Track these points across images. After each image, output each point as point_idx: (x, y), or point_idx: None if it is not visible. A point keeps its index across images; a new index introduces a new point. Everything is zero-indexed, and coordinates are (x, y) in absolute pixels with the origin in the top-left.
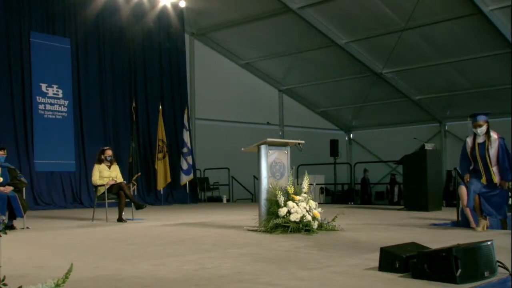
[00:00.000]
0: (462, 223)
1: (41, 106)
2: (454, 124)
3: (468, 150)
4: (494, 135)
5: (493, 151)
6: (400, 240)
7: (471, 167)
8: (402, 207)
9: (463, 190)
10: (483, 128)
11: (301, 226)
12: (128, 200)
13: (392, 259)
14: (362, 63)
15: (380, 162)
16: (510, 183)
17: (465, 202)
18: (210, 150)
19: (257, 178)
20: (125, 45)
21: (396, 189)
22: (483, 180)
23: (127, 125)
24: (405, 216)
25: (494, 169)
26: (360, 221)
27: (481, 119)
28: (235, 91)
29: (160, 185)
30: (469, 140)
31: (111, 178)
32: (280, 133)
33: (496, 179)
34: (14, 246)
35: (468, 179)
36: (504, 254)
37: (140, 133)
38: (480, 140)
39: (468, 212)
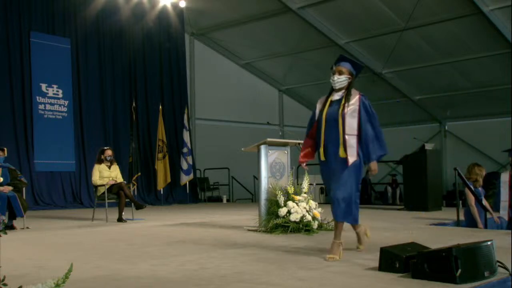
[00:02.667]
0: (467, 223)
1: (41, 106)
2: (454, 124)
3: (317, 112)
4: (355, 93)
5: (350, 113)
6: (400, 240)
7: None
8: (402, 207)
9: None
10: (343, 78)
11: (301, 226)
12: (128, 200)
13: (392, 259)
14: (362, 63)
15: (380, 162)
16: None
17: (472, 202)
18: (210, 150)
19: (257, 178)
20: (125, 45)
21: (398, 191)
22: (321, 155)
23: (127, 125)
24: (405, 216)
25: (347, 139)
26: (360, 221)
27: (345, 65)
28: (235, 91)
29: (160, 185)
30: (320, 101)
31: (111, 178)
32: (280, 133)
33: (345, 152)
34: (14, 246)
35: (304, 162)
36: (504, 254)
37: (140, 133)
38: (335, 97)
39: (475, 211)
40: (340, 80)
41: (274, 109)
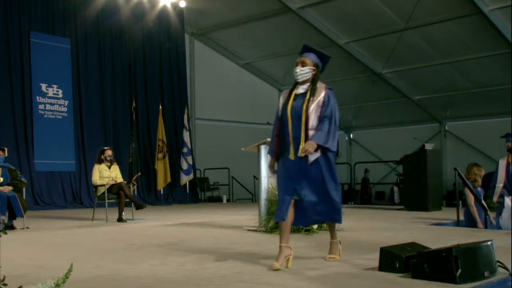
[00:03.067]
0: (467, 223)
1: (41, 106)
2: (454, 124)
3: (280, 107)
4: (321, 86)
5: (315, 108)
6: (400, 240)
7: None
8: (402, 207)
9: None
10: (306, 70)
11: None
12: (128, 200)
13: (392, 259)
14: (362, 63)
15: (380, 162)
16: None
17: (472, 202)
18: (210, 150)
19: (257, 178)
20: (125, 45)
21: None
22: (291, 154)
23: (127, 125)
24: (405, 216)
25: (311, 134)
26: (360, 221)
27: (309, 56)
28: (235, 91)
29: (160, 185)
30: (283, 94)
31: (111, 178)
32: None
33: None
34: (14, 246)
35: (274, 169)
36: (504, 254)
37: (140, 133)
38: (300, 90)
39: (475, 211)
40: (303, 72)
41: (274, 109)
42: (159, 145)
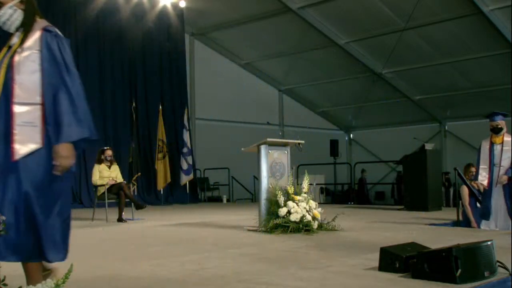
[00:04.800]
0: (464, 223)
1: None
2: (454, 124)
3: None
4: (37, 27)
5: (24, 63)
6: (400, 240)
7: None
8: (402, 207)
9: (465, 190)
10: (8, 12)
11: (301, 226)
12: (128, 200)
13: (392, 259)
14: (362, 63)
15: (380, 162)
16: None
17: (466, 202)
18: (210, 150)
19: (257, 178)
20: (125, 45)
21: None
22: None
23: (127, 125)
24: (405, 216)
25: (18, 112)
26: (360, 221)
27: None
28: (235, 91)
29: (160, 185)
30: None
31: (111, 178)
32: (280, 133)
33: (12, 137)
34: None
35: None
36: (504, 254)
37: (140, 133)
38: (14, 39)
39: (469, 211)
40: (4, 17)
41: (274, 109)
42: (159, 145)
